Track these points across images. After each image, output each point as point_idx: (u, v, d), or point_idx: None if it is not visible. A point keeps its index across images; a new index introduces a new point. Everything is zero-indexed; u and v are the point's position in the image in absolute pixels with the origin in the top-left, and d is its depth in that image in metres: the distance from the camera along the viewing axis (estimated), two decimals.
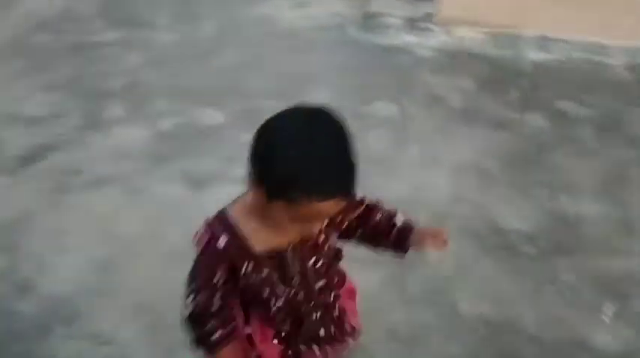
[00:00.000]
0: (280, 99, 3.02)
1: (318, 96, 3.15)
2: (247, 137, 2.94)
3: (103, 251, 2.37)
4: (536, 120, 2.95)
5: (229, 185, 2.68)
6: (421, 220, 2.49)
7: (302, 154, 1.14)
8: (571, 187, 2.63)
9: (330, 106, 1.22)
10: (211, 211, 2.50)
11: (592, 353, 2.05)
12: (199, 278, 1.38)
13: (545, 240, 2.41)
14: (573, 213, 2.51)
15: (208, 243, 1.35)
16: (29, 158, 2.78)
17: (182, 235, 2.42)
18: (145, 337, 2.09)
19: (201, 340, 1.41)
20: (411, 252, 1.53)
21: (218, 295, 1.37)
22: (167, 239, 2.44)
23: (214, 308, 1.38)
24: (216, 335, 1.39)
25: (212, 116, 3.05)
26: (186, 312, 1.41)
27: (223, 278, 1.35)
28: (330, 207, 1.19)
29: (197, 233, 1.39)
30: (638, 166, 2.70)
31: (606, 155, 2.77)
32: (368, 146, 2.82)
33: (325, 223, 1.37)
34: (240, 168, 2.70)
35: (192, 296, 1.39)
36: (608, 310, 2.17)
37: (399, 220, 1.53)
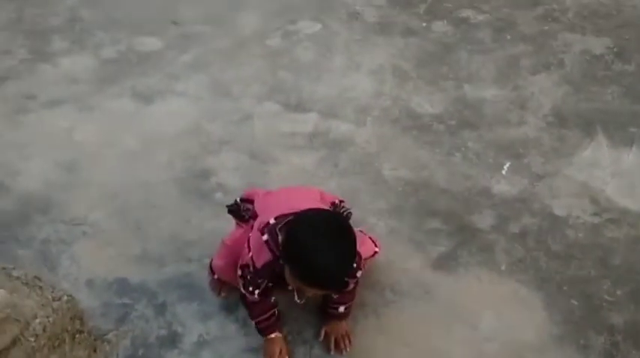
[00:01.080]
0: (212, 24, 3.36)
1: (248, 20, 3.46)
2: (186, 58, 3.26)
3: (67, 156, 2.63)
4: (441, 27, 3.36)
5: (174, 98, 2.99)
6: (348, 112, 2.91)
7: (311, 263, 1.62)
8: (473, 78, 3.05)
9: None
10: (161, 121, 2.82)
11: (493, 199, 2.49)
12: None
13: (453, 119, 2.83)
14: (475, 97, 2.94)
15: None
16: None
17: (137, 140, 2.76)
18: (113, 218, 2.39)
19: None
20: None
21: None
22: (124, 143, 2.73)
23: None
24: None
25: (151, 43, 3.30)
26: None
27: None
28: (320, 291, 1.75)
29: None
30: (527, 58, 3.15)
31: (502, 50, 3.20)
32: (297, 58, 3.19)
33: None
34: (183, 84, 3.03)
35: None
36: (506, 166, 2.62)
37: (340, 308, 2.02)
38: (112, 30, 3.38)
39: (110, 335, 2.01)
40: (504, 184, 2.54)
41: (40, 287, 1.81)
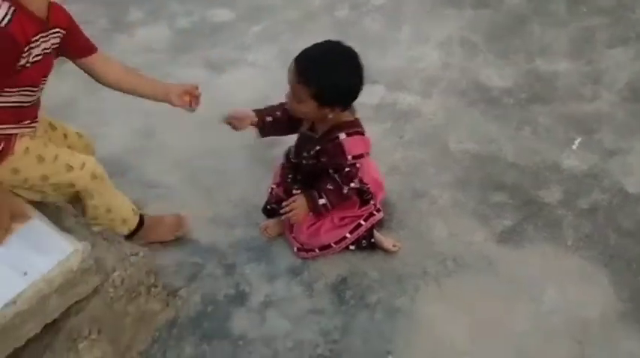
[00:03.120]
0: None
1: None
2: (256, 29, 3.31)
3: (142, 123, 2.75)
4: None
5: (245, 68, 3.06)
6: (415, 84, 2.89)
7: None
8: (545, 51, 2.98)
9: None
10: (232, 90, 2.88)
11: (562, 174, 2.45)
12: None
13: (523, 92, 2.79)
14: (547, 71, 2.88)
15: None
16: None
17: (208, 108, 2.83)
18: (186, 182, 2.49)
19: None
20: None
21: None
22: (196, 111, 2.81)
23: None
24: None
25: (223, 14, 3.38)
26: None
27: None
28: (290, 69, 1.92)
29: None
30: (603, 31, 3.06)
31: (576, 23, 3.12)
32: (365, 29, 3.20)
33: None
34: (253, 55, 3.09)
35: None
36: (577, 141, 2.56)
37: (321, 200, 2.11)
38: (185, 1, 3.48)
39: (182, 292, 2.11)
40: (574, 159, 2.50)
41: (119, 243, 1.91)
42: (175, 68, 3.04)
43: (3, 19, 1.61)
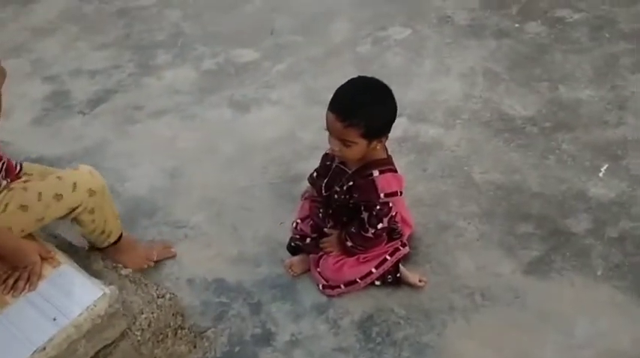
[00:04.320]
0: (306, 35, 3.45)
1: (339, 28, 3.54)
2: (280, 67, 3.37)
3: (170, 162, 2.80)
4: (535, 27, 3.30)
5: (269, 106, 3.11)
6: (438, 116, 2.90)
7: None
8: (568, 79, 2.97)
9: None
10: (256, 128, 2.93)
11: (589, 202, 2.42)
12: None
13: (547, 121, 2.77)
14: (571, 98, 2.86)
15: None
16: (97, 100, 3.23)
17: (234, 147, 2.90)
18: (212, 220, 2.52)
19: None
20: None
21: None
22: (222, 150, 2.87)
23: None
24: None
25: (248, 54, 3.45)
26: None
27: None
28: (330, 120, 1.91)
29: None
30: (626, 56, 3.03)
31: (598, 49, 3.10)
32: (387, 63, 3.23)
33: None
34: (278, 93, 3.14)
35: None
36: (603, 168, 2.53)
37: (348, 242, 2.17)
38: (211, 43, 3.57)
39: (209, 332, 2.13)
40: (601, 187, 2.46)
41: (146, 285, 1.95)
42: (201, 109, 3.11)
43: None
